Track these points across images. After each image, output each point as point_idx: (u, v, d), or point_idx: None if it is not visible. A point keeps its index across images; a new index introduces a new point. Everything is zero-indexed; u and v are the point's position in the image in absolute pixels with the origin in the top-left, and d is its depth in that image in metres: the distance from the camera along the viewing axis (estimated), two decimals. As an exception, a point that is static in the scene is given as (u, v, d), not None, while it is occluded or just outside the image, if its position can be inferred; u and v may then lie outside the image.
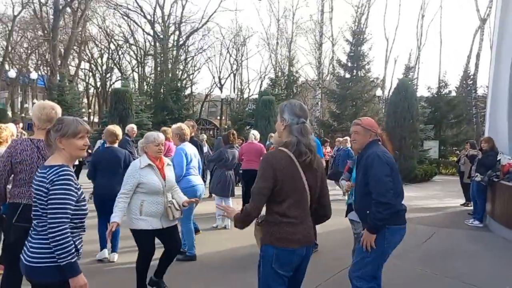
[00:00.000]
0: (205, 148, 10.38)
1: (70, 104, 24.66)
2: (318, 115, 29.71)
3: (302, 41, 53.98)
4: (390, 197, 3.20)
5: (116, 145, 5.53)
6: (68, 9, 32.23)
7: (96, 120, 38.92)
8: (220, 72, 43.53)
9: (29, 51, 37.62)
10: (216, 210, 7.49)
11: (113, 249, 5.40)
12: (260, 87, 39.29)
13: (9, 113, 31.10)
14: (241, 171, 8.60)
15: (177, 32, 38.09)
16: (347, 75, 26.13)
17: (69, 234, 2.24)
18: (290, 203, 2.54)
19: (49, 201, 2.24)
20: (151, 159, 4.14)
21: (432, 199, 12.31)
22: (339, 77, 26.91)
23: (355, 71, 25.47)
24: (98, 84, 41.74)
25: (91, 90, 43.82)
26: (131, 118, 18.39)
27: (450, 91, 26.54)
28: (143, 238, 4.05)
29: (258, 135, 8.36)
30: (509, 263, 6.00)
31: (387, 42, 35.10)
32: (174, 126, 5.77)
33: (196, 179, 5.50)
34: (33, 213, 2.35)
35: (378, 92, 26.18)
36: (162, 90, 32.46)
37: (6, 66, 33.14)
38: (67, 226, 2.24)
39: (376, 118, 23.89)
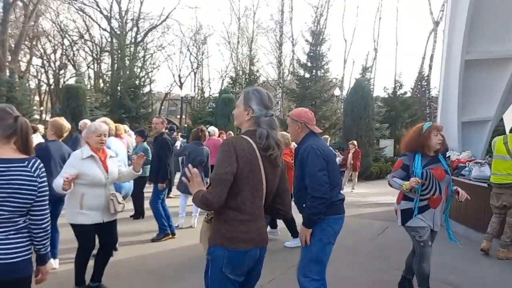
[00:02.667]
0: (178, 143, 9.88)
1: (20, 101, 23.58)
2: (279, 114, 29.86)
3: (263, 41, 54.17)
4: (324, 191, 3.14)
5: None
6: (19, 3, 30.75)
7: (48, 118, 37.33)
8: (180, 70, 43.18)
9: (-25, 45, 35.57)
10: (180, 209, 7.39)
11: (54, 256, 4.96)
12: (221, 85, 39.12)
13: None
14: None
15: (135, 29, 37.21)
16: (307, 75, 26.38)
17: None
18: (245, 196, 2.26)
19: (40, 194, 2.26)
20: (93, 150, 3.98)
21: (387, 195, 12.55)
22: (299, 77, 27.12)
23: (314, 71, 25.75)
24: (51, 81, 40.06)
25: (44, 87, 42.04)
26: (84, 116, 17.76)
27: (405, 92, 27.48)
28: (83, 233, 3.92)
29: (216, 131, 8.45)
30: (456, 254, 6.18)
31: (345, 43, 35.79)
32: (97, 120, 5.50)
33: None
34: (7, 209, 2.17)
35: (337, 91, 26.60)
36: (119, 88, 31.53)
37: (-50, 61, 31.14)
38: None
39: (335, 117, 24.32)
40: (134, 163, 4.17)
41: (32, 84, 38.25)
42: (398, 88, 26.65)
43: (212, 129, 8.46)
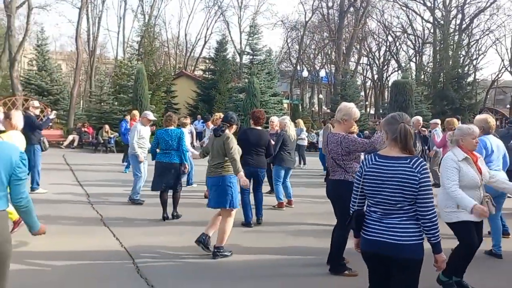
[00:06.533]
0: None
1: (351, 97, 26.65)
2: None
3: None
4: None
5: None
6: (351, 8, 34.59)
7: (372, 112, 40.42)
8: (511, 55, 37.92)
9: (316, 52, 42.35)
10: None
11: None
12: None
13: (300, 108, 35.79)
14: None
15: (459, 16, 35.35)
16: None
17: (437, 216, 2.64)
18: None
19: (421, 188, 2.60)
20: (466, 152, 3.95)
21: None
22: None
23: None
24: (375, 76, 43.13)
25: (368, 83, 45.72)
26: (411, 110, 18.48)
27: None
28: (465, 230, 3.91)
29: None
30: None
31: None
32: (478, 117, 5.38)
33: (496, 174, 4.84)
34: (395, 199, 2.64)
35: None
36: (441, 79, 30.96)
37: (298, 67, 38.37)
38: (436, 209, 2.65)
39: None
40: None
41: (358, 80, 42.22)
42: None
43: None
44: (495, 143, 5.07)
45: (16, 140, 5.13)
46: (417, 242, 2.61)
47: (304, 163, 13.69)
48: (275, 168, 7.35)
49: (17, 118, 5.25)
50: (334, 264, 4.39)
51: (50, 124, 11.38)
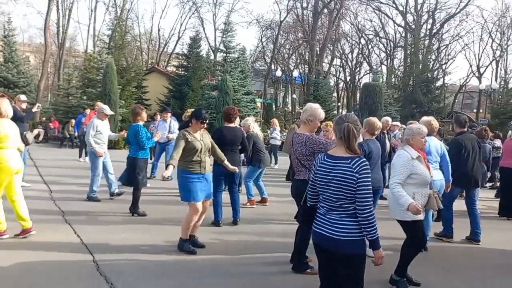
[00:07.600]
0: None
1: (323, 98, 26.93)
2: None
3: None
4: None
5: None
6: (325, 10, 34.91)
7: (344, 112, 40.82)
8: (479, 60, 39.22)
9: (290, 52, 42.47)
10: None
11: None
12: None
13: (273, 107, 35.83)
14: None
15: (430, 21, 36.28)
16: None
17: (375, 214, 2.70)
18: None
19: (359, 188, 2.66)
20: (417, 151, 4.13)
21: None
22: None
23: None
24: (348, 78, 43.69)
25: (341, 85, 46.24)
26: (380, 112, 18.81)
27: None
28: (418, 229, 4.03)
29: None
30: None
31: None
32: (423, 119, 5.56)
33: (434, 173, 5.07)
34: (336, 197, 2.73)
35: None
36: (411, 82, 31.69)
37: (273, 66, 38.42)
38: (373, 208, 2.72)
39: None
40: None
41: (331, 82, 42.60)
42: None
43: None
44: (433, 144, 5.32)
45: (8, 128, 4.86)
46: (356, 238, 2.71)
47: (276, 163, 13.70)
48: (250, 167, 7.31)
49: (6, 105, 4.92)
50: (296, 262, 4.43)
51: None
